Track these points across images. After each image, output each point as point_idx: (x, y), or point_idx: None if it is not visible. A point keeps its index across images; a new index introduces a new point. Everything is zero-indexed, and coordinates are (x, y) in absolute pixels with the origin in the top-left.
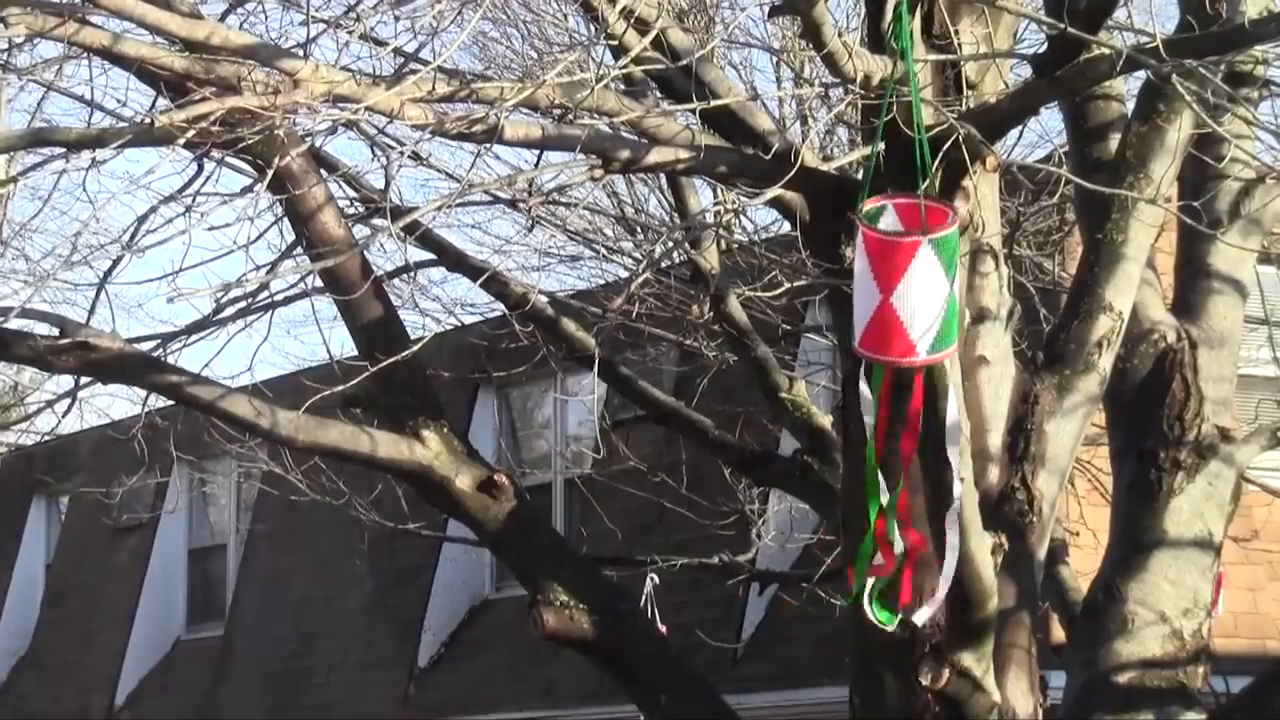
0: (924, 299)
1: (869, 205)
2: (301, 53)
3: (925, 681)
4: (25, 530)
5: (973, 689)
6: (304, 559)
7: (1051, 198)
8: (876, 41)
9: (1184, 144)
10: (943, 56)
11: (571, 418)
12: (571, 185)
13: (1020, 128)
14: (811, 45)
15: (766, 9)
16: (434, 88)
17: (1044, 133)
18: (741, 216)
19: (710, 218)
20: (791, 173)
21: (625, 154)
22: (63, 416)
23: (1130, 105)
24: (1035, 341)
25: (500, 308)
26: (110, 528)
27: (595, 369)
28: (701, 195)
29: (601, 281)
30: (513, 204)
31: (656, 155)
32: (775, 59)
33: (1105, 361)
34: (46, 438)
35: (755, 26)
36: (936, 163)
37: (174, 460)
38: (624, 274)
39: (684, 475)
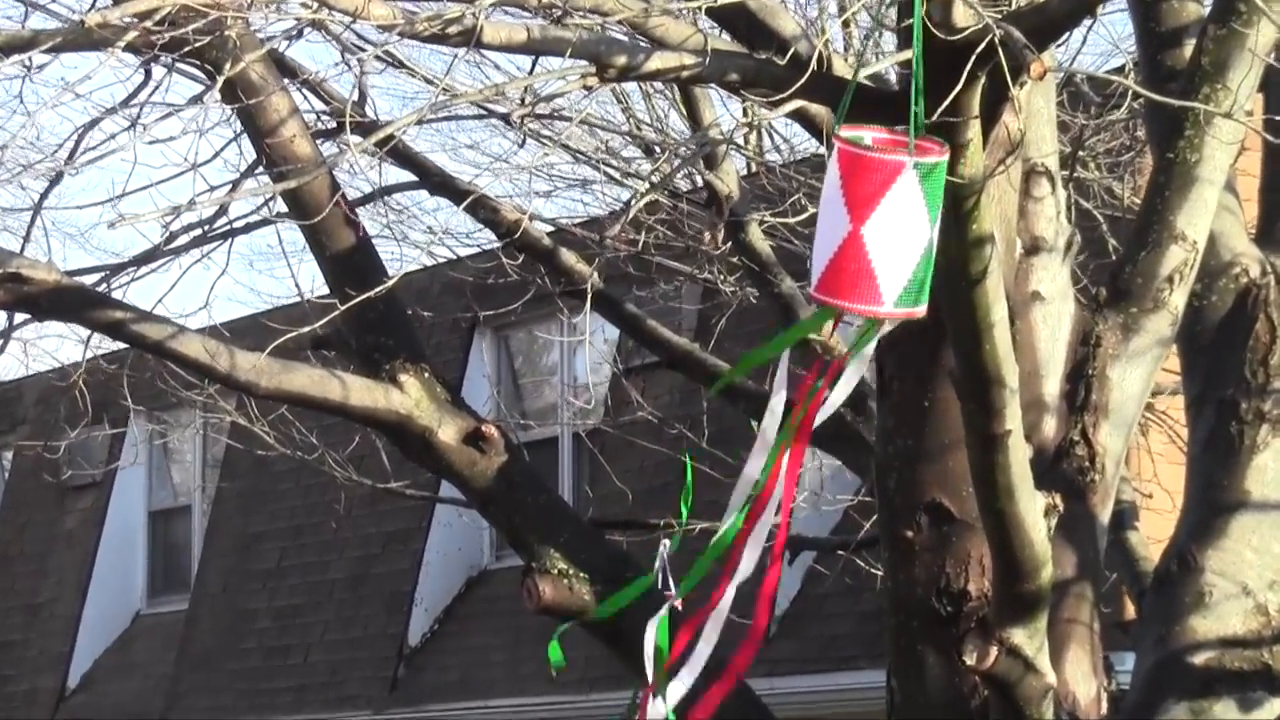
0: (900, 238)
1: (847, 131)
2: None
3: (970, 662)
4: None
5: (1024, 670)
6: (278, 523)
7: (1121, 112)
8: None
9: (1268, 49)
10: None
11: (579, 364)
12: (565, 95)
13: (1085, 31)
14: None
15: None
16: None
17: (1116, 40)
18: (766, 133)
19: (727, 133)
20: (807, 79)
21: (622, 60)
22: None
23: (1209, 6)
24: (1101, 276)
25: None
26: (59, 486)
27: (588, 304)
28: (726, 109)
29: (614, 208)
30: (504, 118)
31: (658, 61)
32: None
33: (1178, 298)
34: None
35: None
36: (967, 71)
37: (129, 411)
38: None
39: (704, 428)
